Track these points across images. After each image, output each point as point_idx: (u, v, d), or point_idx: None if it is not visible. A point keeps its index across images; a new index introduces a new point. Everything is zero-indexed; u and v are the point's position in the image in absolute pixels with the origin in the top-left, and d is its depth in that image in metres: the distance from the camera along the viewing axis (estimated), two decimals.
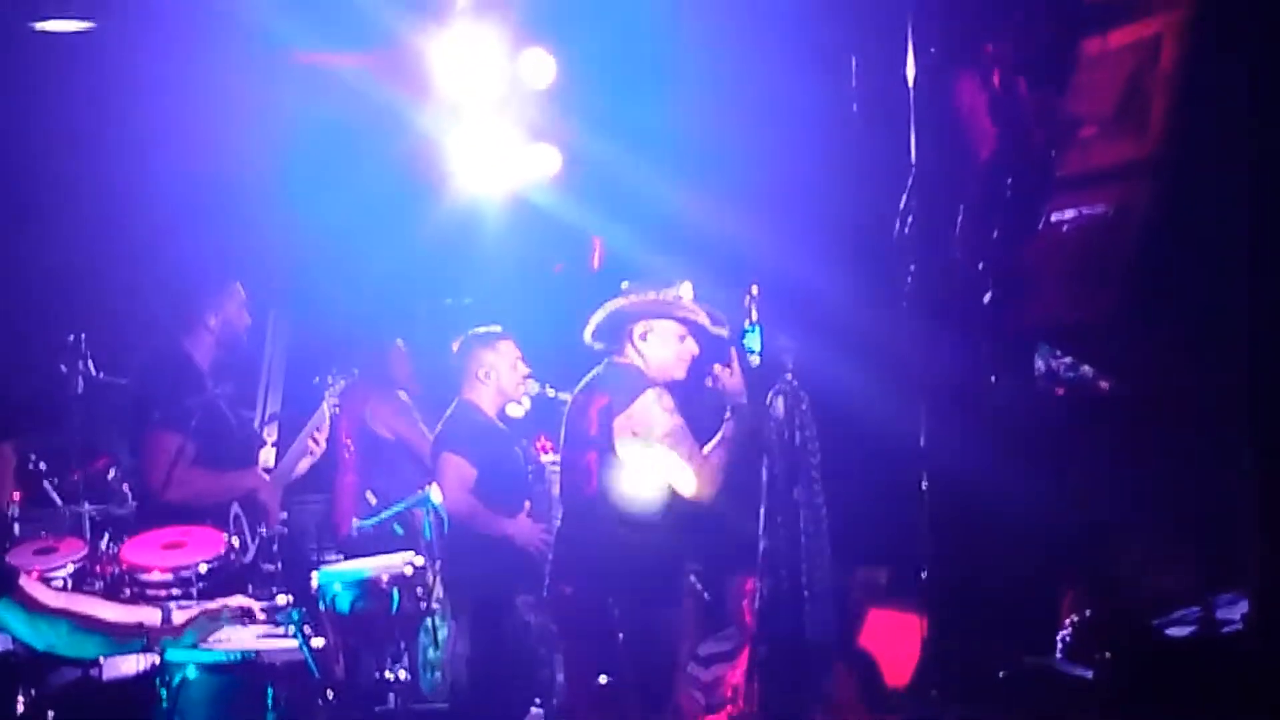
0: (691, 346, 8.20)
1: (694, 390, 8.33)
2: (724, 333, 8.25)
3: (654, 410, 7.98)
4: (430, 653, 9.02)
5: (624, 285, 8.31)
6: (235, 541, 8.09)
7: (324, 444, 9.42)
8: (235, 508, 8.76)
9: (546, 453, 10.29)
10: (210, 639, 6.70)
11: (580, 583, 8.07)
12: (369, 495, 9.08)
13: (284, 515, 9.13)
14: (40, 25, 10.20)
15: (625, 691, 8.02)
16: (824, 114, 8.74)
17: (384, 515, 9.15)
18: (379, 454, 10.52)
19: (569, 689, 8.71)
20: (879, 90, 7.76)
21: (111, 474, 9.20)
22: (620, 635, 7.96)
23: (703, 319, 8.19)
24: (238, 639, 6.87)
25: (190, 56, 10.10)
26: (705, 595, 9.62)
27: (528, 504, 9.46)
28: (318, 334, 10.92)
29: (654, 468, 7.98)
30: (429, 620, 8.80)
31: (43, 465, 9.11)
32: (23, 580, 6.25)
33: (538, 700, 9.17)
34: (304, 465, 9.39)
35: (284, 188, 10.53)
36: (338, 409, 9.54)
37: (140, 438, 8.73)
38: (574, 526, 8.23)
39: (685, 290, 8.27)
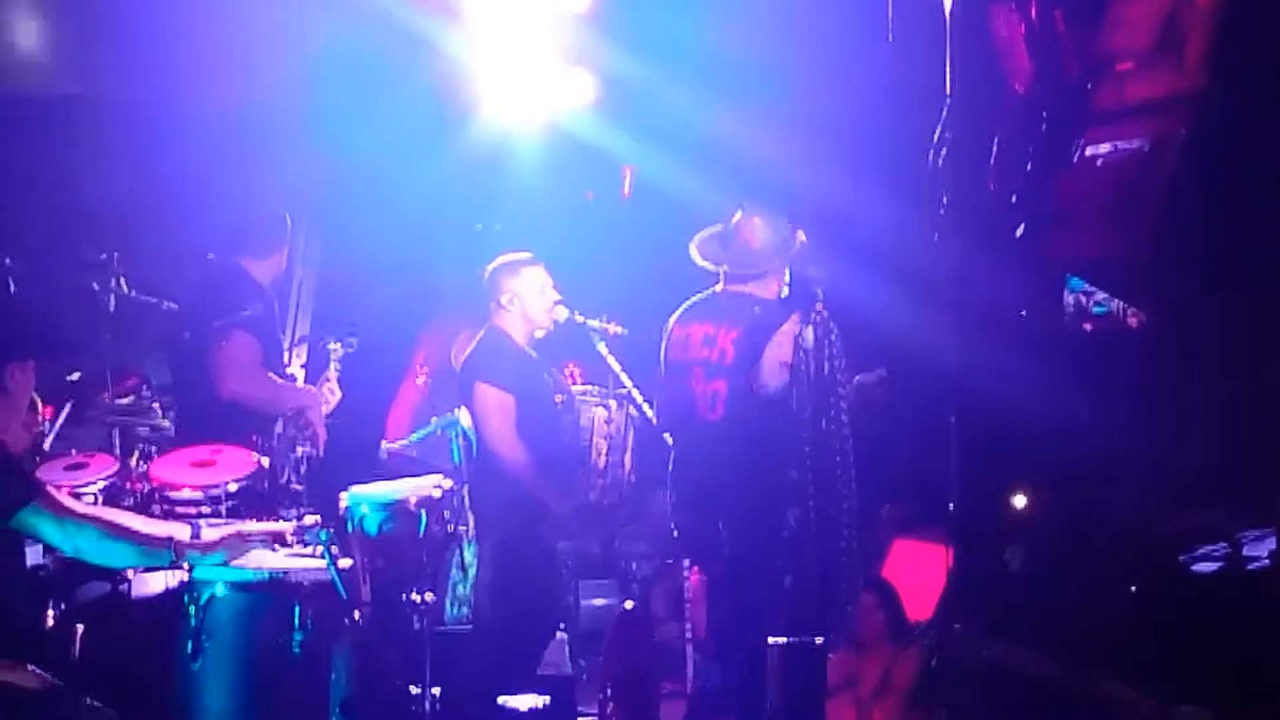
0: None
1: None
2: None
3: (804, 332, 8.23)
4: (460, 588, 9.05)
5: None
6: (265, 461, 8.12)
7: (339, 393, 9.47)
8: (280, 424, 8.82)
9: (575, 382, 10.28)
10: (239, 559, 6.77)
11: (698, 509, 8.36)
12: (433, 419, 9.10)
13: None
14: None
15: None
16: (861, 43, 8.70)
17: (412, 439, 9.17)
18: (448, 391, 10.53)
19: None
20: (916, 20, 7.71)
21: (143, 392, 9.22)
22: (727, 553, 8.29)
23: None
24: (267, 558, 6.92)
25: None
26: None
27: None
28: (348, 258, 10.95)
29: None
30: (460, 554, 8.83)
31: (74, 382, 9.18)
32: (51, 490, 6.31)
33: (562, 625, 9.20)
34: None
35: (315, 113, 10.51)
36: (339, 371, 9.57)
37: (215, 338, 8.75)
38: (688, 452, 8.47)
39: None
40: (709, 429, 8.36)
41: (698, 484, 8.41)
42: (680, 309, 8.65)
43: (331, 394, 9.49)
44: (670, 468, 8.69)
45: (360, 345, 9.56)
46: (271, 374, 8.88)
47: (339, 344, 9.61)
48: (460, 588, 9.02)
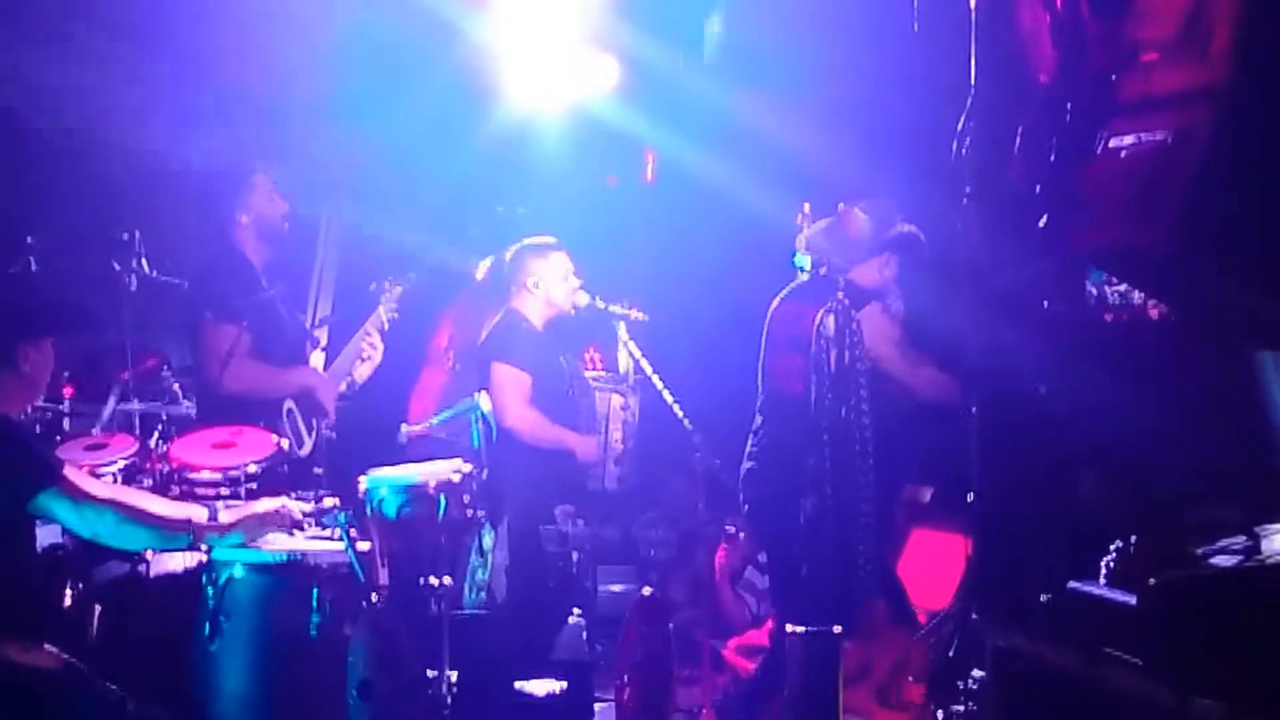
0: None
1: None
2: None
3: (881, 320, 8.49)
4: (479, 574, 9.05)
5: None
6: (285, 444, 8.11)
7: (381, 348, 9.37)
8: (289, 404, 8.80)
9: (593, 367, 10.28)
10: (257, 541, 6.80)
11: (781, 484, 8.42)
12: (443, 413, 9.09)
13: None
14: None
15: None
16: (885, 31, 8.69)
17: (433, 422, 9.16)
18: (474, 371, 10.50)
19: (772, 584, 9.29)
20: (940, 9, 7.70)
21: (163, 373, 9.22)
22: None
23: None
24: (285, 540, 6.93)
25: None
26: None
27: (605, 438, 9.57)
28: (371, 239, 10.94)
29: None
30: (479, 539, 8.83)
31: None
32: (69, 472, 6.30)
33: (579, 610, 9.21)
34: (363, 370, 9.33)
35: (340, 97, 10.52)
36: (395, 314, 9.45)
37: (198, 332, 8.72)
38: (776, 427, 8.59)
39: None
40: (791, 403, 8.39)
41: (782, 456, 8.45)
42: (784, 290, 8.72)
43: (373, 348, 9.36)
44: (750, 441, 8.72)
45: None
46: (264, 363, 8.77)
47: (395, 285, 9.45)
48: (480, 573, 9.03)
